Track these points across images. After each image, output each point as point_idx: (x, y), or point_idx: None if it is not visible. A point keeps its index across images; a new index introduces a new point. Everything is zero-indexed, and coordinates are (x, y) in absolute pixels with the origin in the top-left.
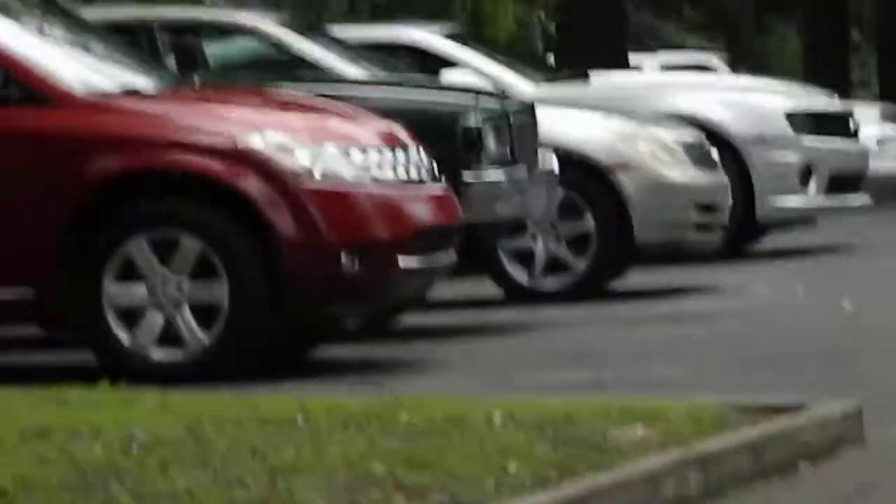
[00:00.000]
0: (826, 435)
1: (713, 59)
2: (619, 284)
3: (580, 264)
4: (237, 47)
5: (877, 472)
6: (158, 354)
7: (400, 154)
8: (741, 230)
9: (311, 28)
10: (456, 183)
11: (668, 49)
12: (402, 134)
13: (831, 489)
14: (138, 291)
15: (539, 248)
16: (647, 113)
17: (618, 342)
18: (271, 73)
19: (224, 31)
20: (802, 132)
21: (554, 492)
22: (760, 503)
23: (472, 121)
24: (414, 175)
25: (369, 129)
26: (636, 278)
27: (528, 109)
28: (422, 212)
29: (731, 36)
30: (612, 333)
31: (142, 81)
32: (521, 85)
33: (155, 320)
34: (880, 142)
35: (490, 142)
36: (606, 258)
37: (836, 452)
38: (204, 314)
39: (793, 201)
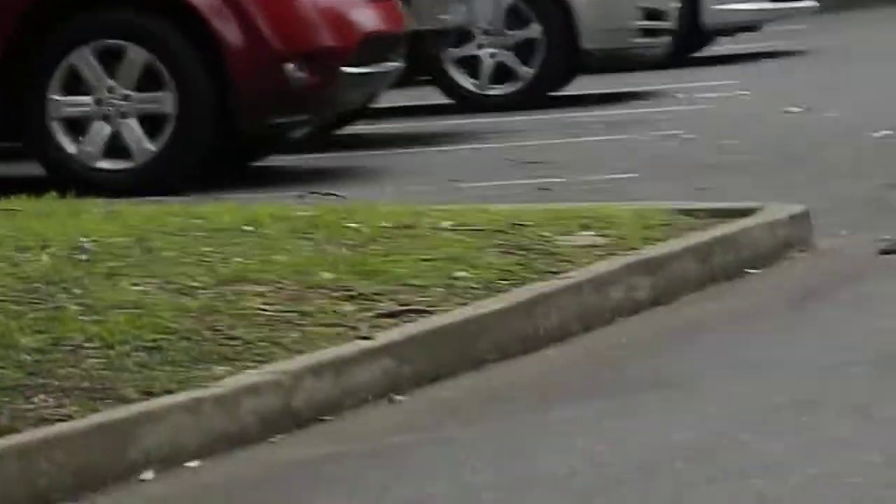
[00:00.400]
0: (774, 239)
1: None
2: (565, 91)
3: (527, 72)
4: None
5: (824, 275)
6: (105, 165)
7: None
8: (687, 36)
9: None
10: None
11: None
12: None
13: (779, 293)
14: (84, 102)
15: (486, 56)
16: None
17: (565, 149)
18: None
19: None
20: None
21: (502, 298)
22: (708, 307)
23: None
24: None
25: None
26: (583, 85)
27: None
28: (368, 19)
29: None
30: (559, 140)
31: None
32: None
33: (101, 131)
34: None
35: None
36: (553, 65)
37: (784, 257)
38: (151, 125)
39: (738, 6)
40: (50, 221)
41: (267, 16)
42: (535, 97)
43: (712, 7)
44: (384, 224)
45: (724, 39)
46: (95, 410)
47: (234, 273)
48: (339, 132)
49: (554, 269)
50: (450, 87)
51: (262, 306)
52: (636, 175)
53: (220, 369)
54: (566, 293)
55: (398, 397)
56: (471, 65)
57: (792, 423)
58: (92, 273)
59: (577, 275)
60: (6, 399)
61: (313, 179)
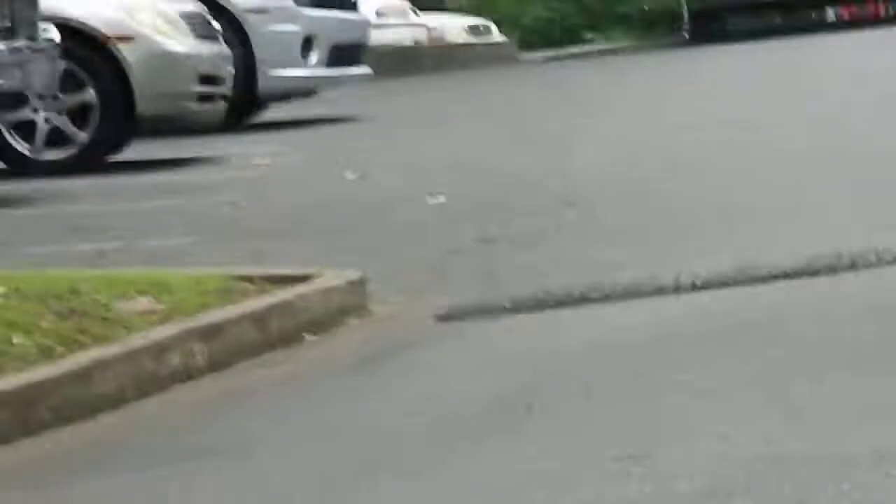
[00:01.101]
0: (330, 305)
1: None
2: (122, 156)
3: (82, 136)
4: None
5: (382, 341)
6: None
7: None
8: (242, 102)
9: None
10: None
11: None
12: None
13: (336, 359)
14: None
15: (40, 120)
16: None
17: (122, 214)
18: None
19: None
20: (303, 4)
21: (59, 364)
22: (266, 374)
23: None
24: None
25: None
26: (139, 150)
27: None
28: None
29: None
30: (115, 205)
31: None
32: None
33: None
34: (380, 14)
35: None
36: (108, 130)
37: (340, 322)
38: None
39: (293, 73)
40: None
41: None
42: (92, 162)
43: (268, 73)
44: None
45: (279, 105)
46: None
47: None
48: None
49: (110, 335)
50: (4, 152)
51: None
52: (194, 240)
53: None
54: (122, 359)
55: None
56: (25, 128)
57: (350, 488)
58: None
59: (133, 341)
60: None
61: None
